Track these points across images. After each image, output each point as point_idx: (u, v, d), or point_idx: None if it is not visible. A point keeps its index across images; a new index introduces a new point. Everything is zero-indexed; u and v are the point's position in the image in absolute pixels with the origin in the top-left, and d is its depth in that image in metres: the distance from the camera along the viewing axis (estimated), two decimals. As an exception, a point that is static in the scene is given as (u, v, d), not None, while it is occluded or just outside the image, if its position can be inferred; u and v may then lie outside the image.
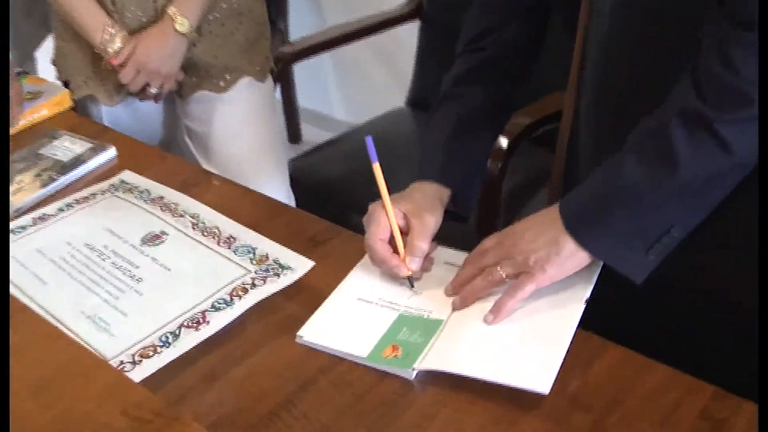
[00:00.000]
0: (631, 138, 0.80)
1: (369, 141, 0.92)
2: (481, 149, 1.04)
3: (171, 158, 1.28)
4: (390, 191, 0.93)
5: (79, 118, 1.45)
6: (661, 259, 0.80)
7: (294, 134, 2.95)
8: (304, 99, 2.93)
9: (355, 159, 1.73)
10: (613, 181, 0.80)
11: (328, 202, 1.65)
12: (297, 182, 1.61)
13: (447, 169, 0.99)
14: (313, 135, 2.95)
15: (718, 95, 0.74)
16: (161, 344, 0.84)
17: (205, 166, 1.54)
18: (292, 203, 1.57)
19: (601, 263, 0.85)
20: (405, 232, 0.93)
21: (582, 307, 0.84)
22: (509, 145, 1.35)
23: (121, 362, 0.82)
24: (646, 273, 0.81)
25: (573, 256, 0.82)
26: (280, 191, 1.55)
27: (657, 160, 0.77)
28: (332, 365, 0.84)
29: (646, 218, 0.79)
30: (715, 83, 0.74)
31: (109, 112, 1.56)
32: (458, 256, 0.96)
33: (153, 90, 1.47)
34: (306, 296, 0.94)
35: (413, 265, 0.91)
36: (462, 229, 1.07)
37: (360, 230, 0.98)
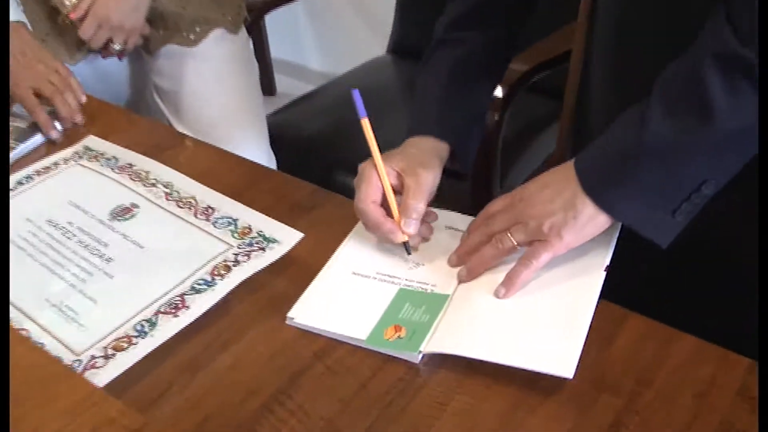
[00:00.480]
0: (657, 85, 0.71)
1: (356, 94, 0.83)
2: (480, 99, 0.95)
3: (140, 120, 1.17)
4: (377, 146, 0.84)
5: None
6: (689, 219, 0.72)
7: (268, 86, 2.83)
8: (276, 49, 2.81)
9: (337, 112, 1.63)
10: (637, 135, 0.71)
11: (311, 160, 1.55)
12: (276, 140, 1.51)
13: (443, 122, 0.90)
14: (288, 86, 2.84)
15: (760, 35, 0.64)
16: (136, 334, 0.75)
17: (177, 127, 1.44)
18: (273, 164, 1.47)
19: (620, 226, 0.77)
20: (400, 193, 0.85)
21: (602, 275, 0.76)
22: (506, 95, 1.26)
23: (92, 357, 0.73)
24: (672, 235, 0.73)
25: (592, 221, 0.74)
26: (261, 152, 1.45)
27: (689, 110, 0.68)
28: (329, 349, 0.76)
29: (675, 176, 0.70)
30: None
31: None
32: (461, 220, 0.88)
33: (116, 46, 1.35)
34: (295, 271, 0.85)
35: (409, 228, 0.82)
36: (455, 185, 0.98)
37: (348, 190, 0.89)
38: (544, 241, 0.75)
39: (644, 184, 0.71)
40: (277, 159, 1.49)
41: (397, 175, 0.84)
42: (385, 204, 0.83)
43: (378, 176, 0.83)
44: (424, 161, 0.85)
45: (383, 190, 0.83)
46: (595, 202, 0.73)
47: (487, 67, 0.95)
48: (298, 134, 1.62)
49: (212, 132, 1.41)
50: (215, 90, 1.45)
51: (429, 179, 0.83)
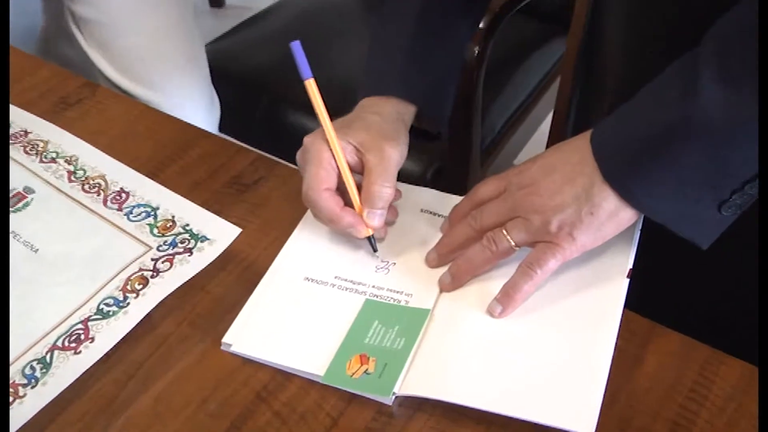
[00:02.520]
0: (708, 41, 0.53)
1: (297, 48, 0.65)
2: (457, 47, 0.76)
3: (43, 66, 0.96)
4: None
5: None
6: (737, 215, 0.55)
7: (216, -4, 2.58)
8: (224, -46, 2.55)
9: (289, 38, 1.41)
10: (681, 108, 0.52)
11: (259, 96, 1.35)
12: (217, 74, 1.30)
13: (409, 79, 0.71)
14: (238, -3, 2.60)
15: None
16: (25, 382, 0.58)
17: (100, 64, 1.22)
18: (216, 104, 1.27)
19: (642, 218, 0.60)
20: (358, 172, 0.66)
21: (625, 283, 0.59)
22: (489, 25, 1.05)
23: (-34, 418, 0.56)
24: (716, 234, 0.56)
25: (614, 217, 0.57)
26: (200, 90, 1.24)
27: (751, 77, 0.50)
28: (276, 386, 0.59)
29: (727, 160, 0.52)
30: None
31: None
32: (440, 201, 0.71)
33: (16, -32, 1.12)
34: (235, 270, 0.68)
35: (374, 221, 0.65)
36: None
37: (302, 133, 0.70)
38: (551, 243, 0.58)
39: (686, 172, 0.53)
40: (219, 97, 1.29)
41: (355, 151, 0.65)
42: (341, 189, 0.65)
43: (332, 154, 0.64)
44: (388, 133, 0.66)
45: (339, 173, 0.65)
46: (618, 194, 0.56)
47: (466, 3, 0.75)
48: (241, 66, 1.39)
49: (141, 68, 1.19)
50: (142, 15, 1.22)
51: (395, 156, 0.65)
